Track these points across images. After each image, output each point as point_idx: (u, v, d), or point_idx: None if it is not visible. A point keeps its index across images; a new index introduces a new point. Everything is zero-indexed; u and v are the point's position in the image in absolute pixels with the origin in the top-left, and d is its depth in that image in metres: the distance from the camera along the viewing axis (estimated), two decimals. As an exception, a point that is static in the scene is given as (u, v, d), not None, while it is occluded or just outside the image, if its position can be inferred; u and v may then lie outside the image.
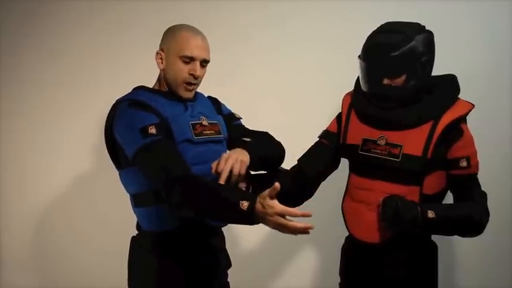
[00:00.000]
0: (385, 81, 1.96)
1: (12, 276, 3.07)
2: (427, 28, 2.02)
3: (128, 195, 2.04)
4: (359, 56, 2.02)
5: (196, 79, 1.91)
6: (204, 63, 1.93)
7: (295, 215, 1.57)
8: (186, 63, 1.89)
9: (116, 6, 2.98)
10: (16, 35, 3.03)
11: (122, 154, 1.88)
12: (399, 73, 1.95)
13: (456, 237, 2.08)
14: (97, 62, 2.99)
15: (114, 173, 2.94)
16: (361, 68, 2.02)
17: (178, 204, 1.69)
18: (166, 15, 2.89)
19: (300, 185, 2.13)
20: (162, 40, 1.95)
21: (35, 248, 3.07)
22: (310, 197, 2.19)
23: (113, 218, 2.99)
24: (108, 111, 2.91)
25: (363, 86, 2.04)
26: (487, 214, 1.97)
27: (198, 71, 1.89)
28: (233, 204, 1.60)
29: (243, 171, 1.81)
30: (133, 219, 2.04)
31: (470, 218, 1.92)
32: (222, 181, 1.76)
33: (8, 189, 3.09)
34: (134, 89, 1.99)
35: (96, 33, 2.99)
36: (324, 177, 2.20)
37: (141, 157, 1.77)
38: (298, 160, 2.18)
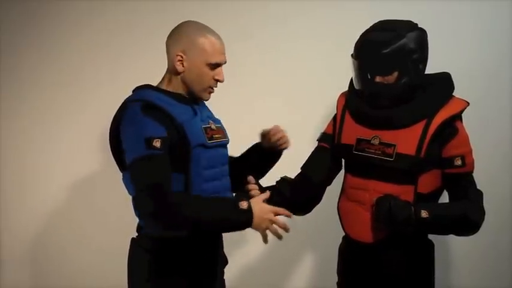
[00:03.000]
0: (377, 78, 1.96)
1: (12, 276, 3.07)
2: (426, 27, 2.02)
3: (128, 196, 2.04)
4: (352, 55, 2.02)
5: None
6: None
7: (283, 213, 1.85)
8: (212, 69, 1.89)
9: (115, 6, 2.98)
10: (16, 35, 3.04)
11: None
12: (390, 70, 1.95)
13: (455, 237, 2.08)
14: (97, 62, 2.99)
15: (114, 173, 2.93)
16: (353, 66, 2.02)
17: (173, 216, 1.71)
18: (166, 15, 2.90)
19: (307, 192, 2.14)
20: (181, 42, 1.89)
21: (35, 248, 3.08)
22: (319, 202, 2.19)
23: (112, 218, 2.99)
24: (108, 111, 2.92)
25: (356, 84, 2.04)
26: (483, 213, 1.96)
27: (223, 76, 1.92)
28: (232, 204, 1.74)
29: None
30: (133, 219, 2.04)
31: (465, 217, 1.92)
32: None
33: (8, 189, 3.09)
34: (140, 87, 1.95)
35: (96, 33, 3.00)
36: (329, 181, 2.20)
37: (137, 166, 1.77)
38: (302, 168, 2.18)
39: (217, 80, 1.91)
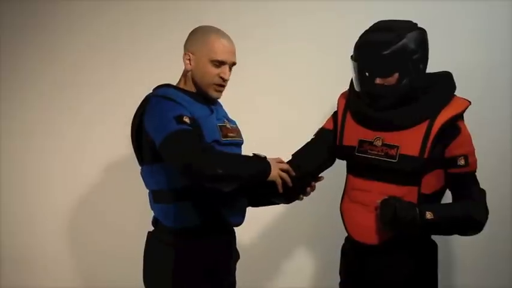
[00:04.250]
0: (378, 80, 1.95)
1: (12, 276, 3.07)
2: (425, 27, 2.00)
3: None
4: (351, 56, 2.01)
5: (224, 81, 1.97)
6: (232, 65, 2.00)
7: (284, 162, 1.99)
8: (216, 66, 1.94)
9: (115, 7, 2.98)
10: (16, 35, 3.04)
11: (146, 149, 1.93)
12: (391, 72, 1.93)
13: (455, 236, 2.08)
14: (97, 62, 3.00)
15: (115, 173, 2.96)
16: (353, 68, 2.00)
17: (209, 165, 1.74)
18: (167, 15, 2.91)
19: (293, 179, 2.08)
20: (189, 41, 1.99)
21: (34, 248, 3.08)
22: (301, 193, 2.12)
23: (113, 219, 2.99)
24: (108, 111, 2.95)
25: (356, 86, 2.03)
26: (487, 212, 1.97)
27: (228, 74, 1.96)
28: (251, 156, 1.89)
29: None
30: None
31: (470, 217, 1.92)
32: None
33: (8, 189, 3.09)
34: (161, 86, 2.01)
35: (96, 33, 3.00)
36: (316, 173, 2.15)
37: (171, 141, 1.79)
38: (293, 155, 2.16)
39: (222, 78, 1.95)
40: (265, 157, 1.90)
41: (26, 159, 3.08)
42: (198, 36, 1.98)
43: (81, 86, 3.02)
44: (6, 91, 3.08)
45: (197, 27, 2.02)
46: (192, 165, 1.73)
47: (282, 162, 1.96)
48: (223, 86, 1.99)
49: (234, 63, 2.00)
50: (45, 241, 3.06)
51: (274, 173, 1.89)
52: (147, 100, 1.93)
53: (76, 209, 3.04)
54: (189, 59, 1.96)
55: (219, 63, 1.94)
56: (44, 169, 3.06)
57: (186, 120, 1.83)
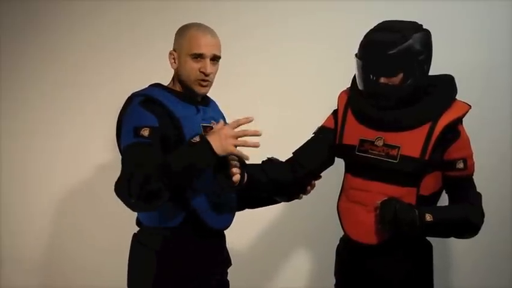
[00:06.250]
0: (382, 80, 1.95)
1: (13, 276, 3.08)
2: (425, 27, 2.01)
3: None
4: (356, 54, 2.01)
5: (207, 76, 1.91)
6: (215, 59, 1.94)
7: (240, 123, 1.76)
8: (197, 61, 1.91)
9: (116, 7, 2.99)
10: (16, 34, 3.05)
11: None
12: (396, 72, 1.94)
13: (453, 238, 2.09)
14: (98, 62, 3.01)
15: (117, 172, 2.96)
16: (357, 66, 2.00)
17: (142, 185, 1.68)
18: (167, 15, 2.92)
19: (293, 177, 2.09)
20: (174, 40, 1.98)
21: (35, 248, 3.08)
22: (301, 191, 2.13)
23: (114, 217, 2.99)
24: (109, 111, 2.94)
25: (359, 85, 2.03)
26: (483, 216, 1.98)
27: (208, 68, 1.90)
28: (186, 146, 1.74)
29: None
30: (135, 217, 2.04)
31: (467, 220, 1.93)
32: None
33: (8, 189, 3.10)
34: (150, 85, 2.00)
35: (97, 33, 3.01)
36: (318, 172, 2.16)
37: (124, 154, 1.82)
38: (294, 153, 2.16)
39: (203, 73, 1.90)
40: (200, 137, 1.73)
41: (26, 159, 3.09)
42: (179, 34, 1.96)
43: (82, 86, 3.03)
44: (7, 91, 3.09)
45: (181, 26, 1.99)
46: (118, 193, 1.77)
47: (239, 123, 1.75)
48: (207, 81, 1.92)
49: (216, 57, 1.93)
50: (45, 241, 3.06)
51: (225, 147, 1.72)
52: (130, 100, 1.90)
53: (76, 209, 3.05)
54: (174, 58, 1.95)
55: (199, 57, 1.89)
56: (45, 169, 3.07)
57: (144, 132, 1.78)
